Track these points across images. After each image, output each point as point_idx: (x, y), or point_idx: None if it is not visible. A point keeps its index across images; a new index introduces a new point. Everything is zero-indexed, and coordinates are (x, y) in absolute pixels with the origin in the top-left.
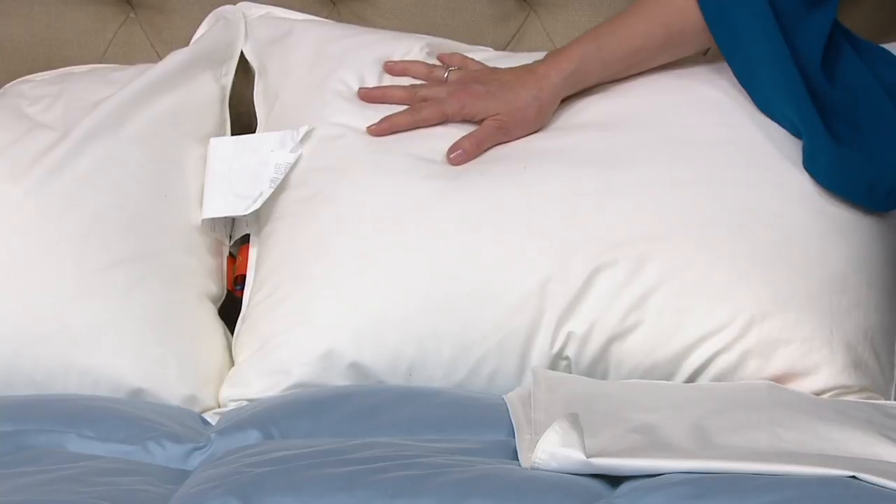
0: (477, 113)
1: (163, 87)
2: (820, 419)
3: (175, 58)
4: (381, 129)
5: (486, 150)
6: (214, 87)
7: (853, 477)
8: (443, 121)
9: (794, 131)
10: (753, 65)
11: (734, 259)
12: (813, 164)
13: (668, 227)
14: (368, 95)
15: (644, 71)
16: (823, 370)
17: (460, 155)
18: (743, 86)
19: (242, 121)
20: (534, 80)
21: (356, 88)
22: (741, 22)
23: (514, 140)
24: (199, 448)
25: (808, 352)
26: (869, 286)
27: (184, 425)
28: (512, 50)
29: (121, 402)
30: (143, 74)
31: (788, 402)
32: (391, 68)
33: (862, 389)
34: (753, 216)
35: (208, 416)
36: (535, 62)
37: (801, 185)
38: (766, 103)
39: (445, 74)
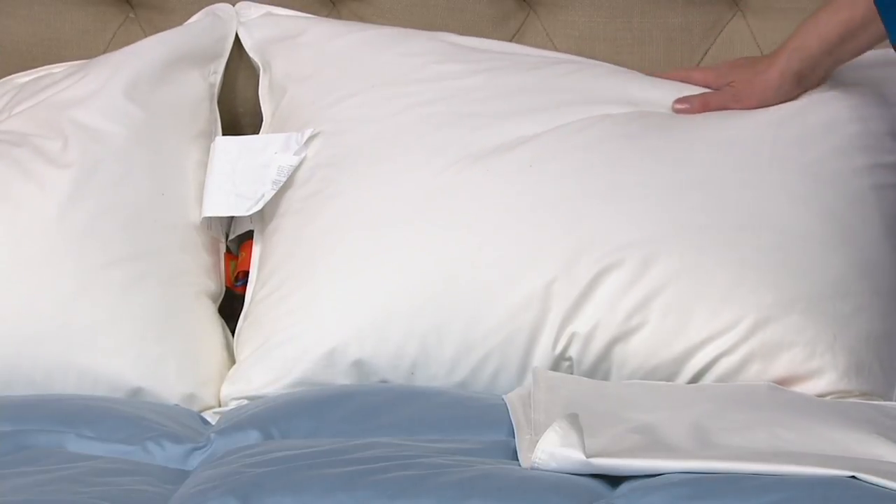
0: (720, 76)
1: (152, 84)
2: (820, 420)
3: (162, 53)
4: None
5: (711, 111)
6: (203, 85)
7: (853, 477)
8: (686, 81)
9: None
10: None
11: (738, 262)
12: None
13: (673, 229)
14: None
15: (646, 73)
16: (825, 374)
17: (685, 108)
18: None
19: (244, 121)
20: (773, 55)
21: (362, 85)
22: None
23: (743, 107)
24: (199, 448)
25: (811, 356)
26: (872, 292)
27: (183, 425)
28: None
29: (120, 402)
30: (130, 72)
31: (788, 403)
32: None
33: (863, 394)
34: (758, 219)
35: (208, 416)
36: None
37: (807, 188)
38: None
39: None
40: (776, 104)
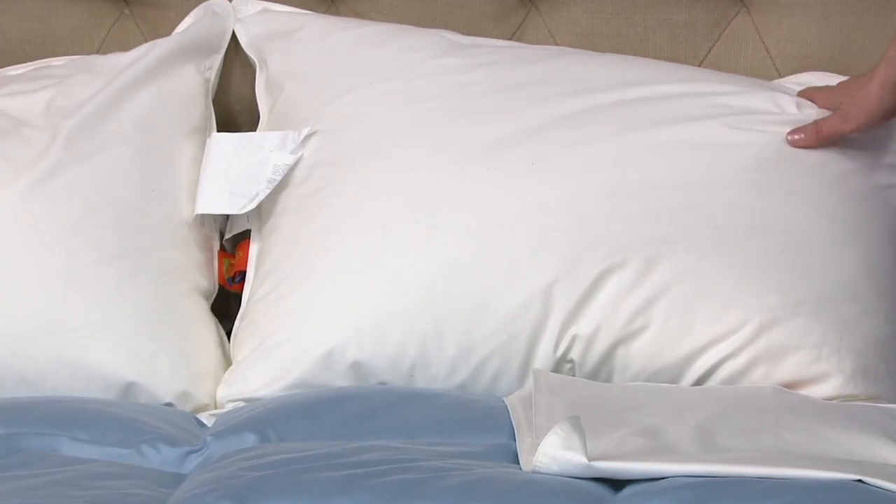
0: (831, 99)
1: (146, 80)
2: (826, 422)
3: (157, 49)
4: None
5: (826, 139)
6: (198, 80)
7: (860, 481)
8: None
9: None
10: None
11: (743, 263)
12: None
13: (677, 230)
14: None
15: (652, 72)
16: (832, 378)
17: (801, 140)
18: None
19: (240, 118)
20: (873, 70)
21: (360, 81)
22: None
23: (853, 128)
24: (195, 451)
25: (817, 359)
26: (879, 294)
27: (179, 428)
28: None
29: (114, 405)
30: (125, 69)
31: (794, 406)
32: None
33: (870, 398)
34: (763, 220)
35: (204, 418)
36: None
37: (812, 188)
38: None
39: None
40: (882, 119)
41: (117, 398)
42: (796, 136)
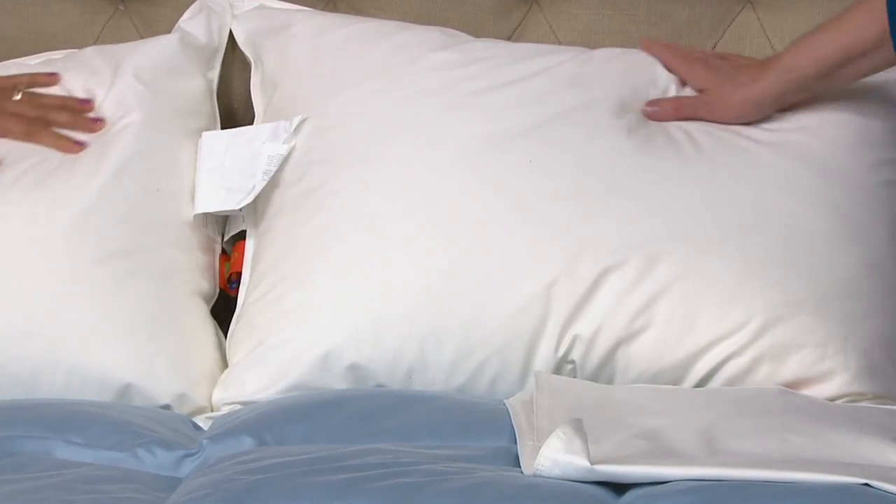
0: (695, 80)
1: (150, 79)
2: (832, 425)
3: (160, 48)
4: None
5: (682, 119)
6: (202, 81)
7: (866, 485)
8: (672, 72)
9: None
10: None
11: (745, 261)
12: None
13: (678, 228)
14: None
15: (652, 68)
16: (837, 377)
17: (655, 112)
18: None
19: (239, 116)
20: (758, 69)
21: (356, 78)
22: None
23: (715, 121)
24: (191, 455)
25: (822, 357)
26: (884, 291)
27: (174, 431)
28: None
29: (109, 407)
30: (128, 68)
31: (799, 408)
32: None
33: (876, 397)
34: (765, 216)
35: (200, 421)
36: (776, 55)
37: (814, 184)
38: None
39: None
40: (751, 122)
41: (114, 399)
42: (652, 109)
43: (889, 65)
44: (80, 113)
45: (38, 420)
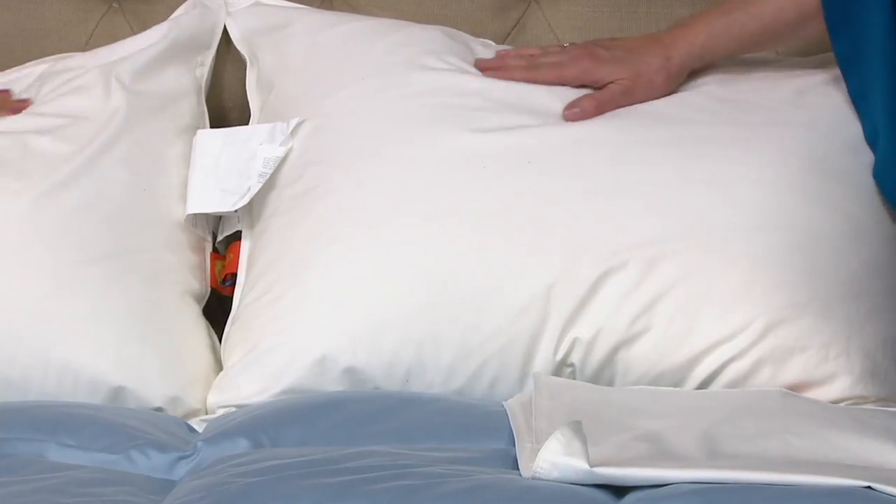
0: (601, 78)
1: (135, 76)
2: (834, 427)
3: (149, 47)
4: (493, 67)
5: (604, 113)
6: (190, 78)
7: (869, 487)
8: (561, 83)
9: (871, 135)
10: (859, 51)
11: (748, 262)
12: (883, 175)
13: (679, 229)
14: (487, 65)
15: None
16: (840, 379)
17: (577, 113)
18: (842, 70)
19: (232, 116)
20: (661, 47)
21: (353, 77)
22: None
23: (635, 102)
24: (185, 457)
25: (825, 360)
26: (887, 292)
27: (169, 433)
28: (511, 42)
29: (103, 409)
30: (115, 63)
31: (802, 410)
32: (501, 57)
33: (879, 400)
34: (768, 218)
35: (195, 423)
36: (660, 31)
37: (817, 184)
38: (861, 94)
39: (563, 46)
40: (661, 96)
41: (105, 401)
42: (573, 111)
43: (810, 39)
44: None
45: (30, 422)
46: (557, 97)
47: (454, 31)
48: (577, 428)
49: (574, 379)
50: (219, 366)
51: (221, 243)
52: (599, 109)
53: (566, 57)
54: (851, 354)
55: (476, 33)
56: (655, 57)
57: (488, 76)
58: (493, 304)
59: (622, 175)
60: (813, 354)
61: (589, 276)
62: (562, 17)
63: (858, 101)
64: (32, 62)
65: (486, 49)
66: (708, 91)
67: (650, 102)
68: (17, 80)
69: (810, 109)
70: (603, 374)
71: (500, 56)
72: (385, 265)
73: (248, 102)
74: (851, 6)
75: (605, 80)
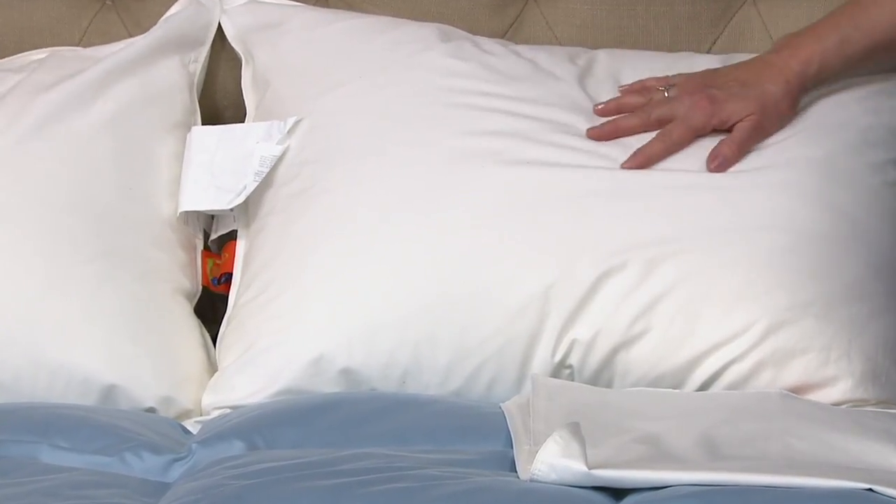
0: (728, 118)
1: (125, 71)
2: (835, 429)
3: (140, 41)
4: (638, 164)
5: (745, 154)
6: (182, 74)
7: (870, 490)
8: (694, 137)
9: None
10: None
11: (748, 264)
12: None
13: (679, 230)
14: (601, 134)
15: (650, 65)
16: (840, 382)
17: (722, 163)
18: None
19: (226, 114)
20: (776, 72)
21: (350, 75)
22: None
23: (770, 135)
24: (180, 459)
25: (825, 362)
26: (889, 294)
27: (163, 435)
28: (509, 40)
29: (96, 411)
30: (103, 61)
31: (802, 412)
32: (603, 111)
33: (880, 402)
34: (768, 219)
35: (189, 425)
36: (767, 54)
37: (819, 185)
38: None
39: (665, 93)
40: (789, 124)
41: (97, 402)
42: (717, 163)
43: None
44: None
45: (23, 424)
46: (554, 95)
47: (451, 28)
48: (576, 430)
49: (572, 380)
50: (211, 365)
51: (214, 242)
52: (741, 152)
53: (685, 107)
54: (852, 357)
55: (473, 31)
56: (775, 85)
57: (629, 167)
58: (491, 304)
59: (621, 175)
60: (814, 357)
61: (588, 277)
62: (560, 14)
63: None
64: (26, 52)
65: (485, 47)
66: None
67: None
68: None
69: (811, 110)
70: (602, 376)
71: (614, 123)
72: (382, 265)
73: (243, 101)
74: None
75: (732, 120)
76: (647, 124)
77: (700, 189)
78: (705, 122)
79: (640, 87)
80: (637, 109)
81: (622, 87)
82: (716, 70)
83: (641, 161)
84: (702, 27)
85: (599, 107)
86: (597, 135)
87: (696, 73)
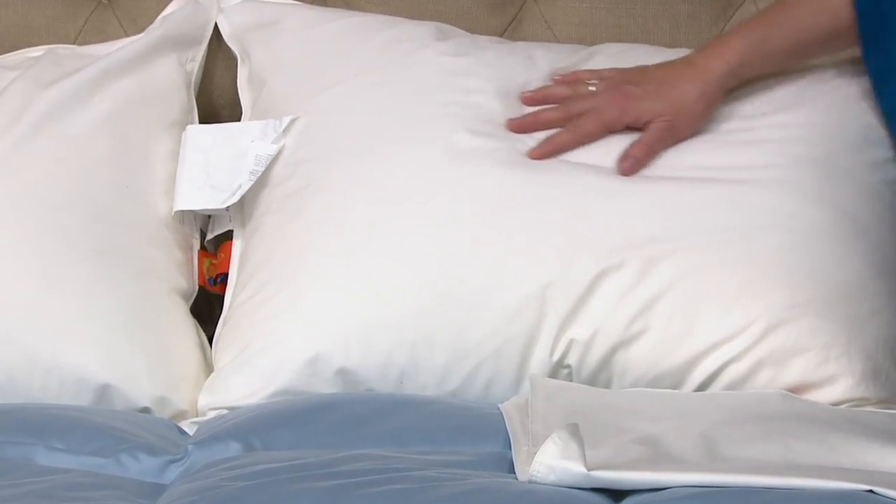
0: (640, 116)
1: (122, 70)
2: (835, 430)
3: (138, 40)
4: (545, 153)
5: (656, 155)
6: (179, 72)
7: (871, 491)
8: (605, 132)
9: None
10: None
11: (748, 262)
12: None
13: (678, 229)
14: (522, 125)
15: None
16: (840, 381)
17: (633, 165)
18: (875, 85)
19: (223, 113)
20: (696, 73)
21: (346, 73)
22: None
23: (681, 140)
24: (176, 460)
25: (825, 361)
26: (889, 293)
27: (159, 436)
28: (508, 38)
29: (92, 412)
30: (100, 60)
31: (802, 412)
32: (530, 99)
33: (881, 402)
34: (768, 217)
35: (185, 426)
36: (691, 54)
37: (818, 184)
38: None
39: (590, 87)
40: (705, 125)
41: (92, 401)
42: (628, 164)
43: (839, 50)
44: None
45: (18, 425)
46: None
47: (449, 27)
48: (574, 430)
49: (571, 381)
50: (207, 365)
51: (211, 242)
52: (651, 153)
53: (600, 101)
54: (852, 356)
55: (472, 29)
56: (692, 84)
57: (536, 156)
58: (489, 304)
59: (620, 175)
60: (813, 356)
61: (586, 276)
62: (559, 13)
63: (891, 116)
64: (23, 49)
65: (483, 45)
66: None
67: None
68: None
69: (811, 108)
70: (600, 376)
71: (534, 115)
72: (379, 265)
73: (239, 100)
74: (888, 19)
75: (644, 118)
76: (568, 118)
77: (698, 187)
78: (618, 118)
79: (573, 79)
80: (562, 101)
81: (556, 76)
82: (644, 67)
83: (549, 149)
84: (701, 25)
85: (527, 95)
86: (517, 126)
87: (626, 69)
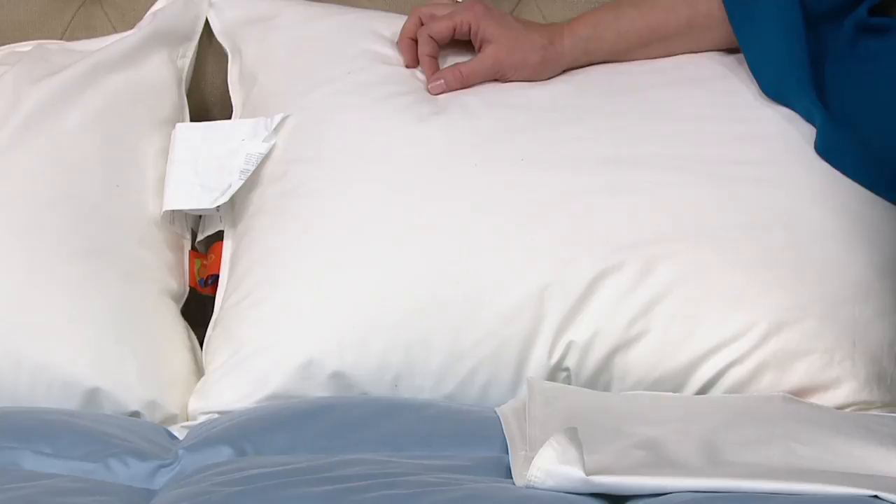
0: (483, 31)
1: (112, 67)
2: (839, 434)
3: (128, 36)
4: (440, 85)
5: (470, 87)
6: (170, 69)
7: (875, 496)
8: (452, 32)
9: (808, 116)
10: (767, 53)
11: (749, 263)
12: (826, 150)
13: (678, 229)
14: (442, 86)
15: (655, 58)
16: (845, 384)
17: (440, 86)
18: (754, 73)
19: (214, 110)
20: (546, 29)
21: (340, 71)
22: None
23: (506, 83)
24: (166, 465)
25: (829, 364)
26: (894, 295)
27: (148, 440)
28: None
29: (80, 415)
30: (91, 54)
31: (805, 416)
32: (428, 69)
33: (886, 405)
34: (770, 216)
35: (175, 430)
36: (553, 23)
37: (822, 182)
38: (777, 91)
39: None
40: (531, 79)
41: (80, 405)
42: (437, 83)
43: (717, 46)
44: None
45: (4, 429)
46: (547, 93)
47: None
48: (573, 435)
49: (569, 384)
50: (198, 368)
51: (202, 242)
52: (463, 83)
53: (459, 7)
54: (857, 358)
55: None
56: (538, 34)
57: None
58: (485, 306)
59: (619, 174)
60: (817, 358)
61: (584, 278)
62: (556, 9)
63: (775, 96)
64: (10, 44)
65: None
66: (709, 86)
67: (653, 97)
68: None
69: None
70: (599, 379)
71: (444, 71)
72: (373, 266)
73: (230, 97)
74: (753, 7)
75: (485, 36)
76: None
77: (699, 186)
78: (465, 20)
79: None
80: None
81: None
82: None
83: (434, 77)
84: None
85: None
86: (441, 89)
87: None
